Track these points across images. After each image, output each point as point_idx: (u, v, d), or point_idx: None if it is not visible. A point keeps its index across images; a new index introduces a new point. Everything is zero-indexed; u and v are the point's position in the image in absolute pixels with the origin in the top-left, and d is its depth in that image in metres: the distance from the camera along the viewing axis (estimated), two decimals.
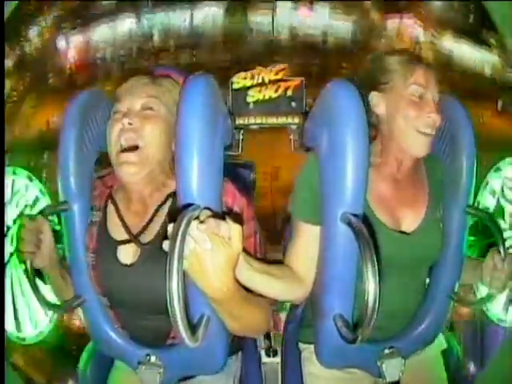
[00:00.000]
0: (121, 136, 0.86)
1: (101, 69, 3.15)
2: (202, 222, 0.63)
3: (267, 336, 1.70)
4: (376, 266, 0.67)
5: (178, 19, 3.51)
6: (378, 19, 3.43)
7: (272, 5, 3.54)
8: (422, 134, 0.90)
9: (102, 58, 3.16)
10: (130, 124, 0.86)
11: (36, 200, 1.90)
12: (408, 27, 3.16)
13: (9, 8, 1.16)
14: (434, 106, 0.90)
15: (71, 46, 2.71)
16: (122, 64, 3.25)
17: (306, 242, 0.91)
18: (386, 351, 0.94)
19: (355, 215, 0.78)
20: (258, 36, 3.62)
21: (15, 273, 1.72)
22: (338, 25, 3.59)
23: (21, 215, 1.76)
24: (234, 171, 1.48)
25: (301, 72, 3.66)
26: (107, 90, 1.03)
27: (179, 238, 0.58)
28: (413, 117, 0.90)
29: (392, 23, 3.31)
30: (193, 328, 0.65)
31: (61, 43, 2.57)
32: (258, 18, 3.59)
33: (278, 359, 1.63)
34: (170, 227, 0.61)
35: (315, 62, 3.70)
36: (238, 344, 1.06)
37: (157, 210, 0.89)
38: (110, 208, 0.94)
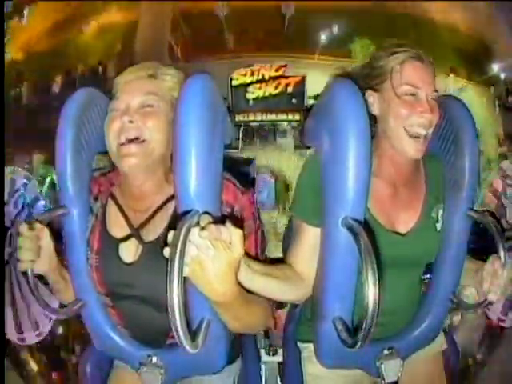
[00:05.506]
0: (121, 134, 0.85)
1: None
2: (203, 228, 0.63)
3: (267, 335, 1.70)
4: (376, 272, 0.67)
5: None
6: None
7: None
8: (414, 137, 0.88)
9: None
10: (130, 122, 0.85)
11: (35, 200, 1.89)
12: None
13: (9, 8, 1.14)
14: (427, 105, 0.88)
15: None
16: None
17: (307, 243, 0.91)
18: (385, 352, 0.94)
19: (356, 220, 0.77)
20: None
21: (15, 273, 1.72)
22: None
23: (20, 220, 1.74)
24: (234, 168, 1.47)
25: None
26: None
27: (179, 246, 0.57)
28: (404, 116, 0.88)
29: None
30: (193, 334, 0.65)
31: None
32: None
33: (277, 358, 1.64)
34: (171, 235, 0.61)
35: None
36: (239, 349, 1.07)
37: (159, 208, 0.89)
38: (110, 206, 0.93)
